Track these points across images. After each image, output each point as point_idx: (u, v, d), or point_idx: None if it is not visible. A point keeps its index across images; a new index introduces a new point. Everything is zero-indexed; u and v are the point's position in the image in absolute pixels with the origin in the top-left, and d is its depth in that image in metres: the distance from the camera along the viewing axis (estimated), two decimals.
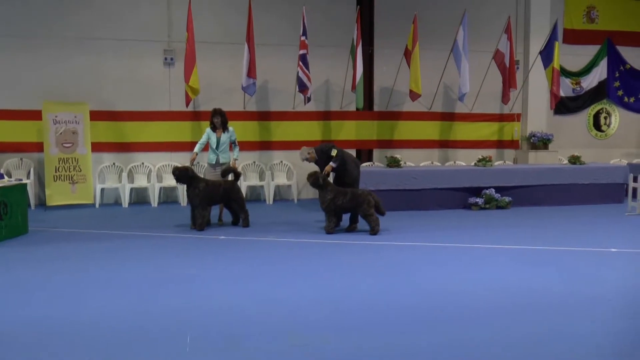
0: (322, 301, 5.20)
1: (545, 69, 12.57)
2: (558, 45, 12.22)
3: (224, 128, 9.25)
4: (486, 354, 4.01)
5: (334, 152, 8.71)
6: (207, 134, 9.27)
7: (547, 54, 12.46)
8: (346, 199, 8.33)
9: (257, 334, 4.35)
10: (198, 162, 10.56)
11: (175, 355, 3.97)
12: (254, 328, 4.48)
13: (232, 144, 9.34)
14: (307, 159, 9.01)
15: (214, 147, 9.17)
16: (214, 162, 9.20)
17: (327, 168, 8.69)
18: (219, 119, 9.18)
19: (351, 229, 8.73)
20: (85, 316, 4.78)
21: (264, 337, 4.30)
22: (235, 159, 9.38)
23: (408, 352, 4.03)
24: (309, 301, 5.20)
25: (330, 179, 8.88)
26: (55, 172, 10.82)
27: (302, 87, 11.47)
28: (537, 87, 13.45)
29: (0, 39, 11.05)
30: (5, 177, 9.45)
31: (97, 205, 11.24)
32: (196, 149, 9.28)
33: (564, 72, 13.80)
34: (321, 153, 8.89)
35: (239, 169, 10.20)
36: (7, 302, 5.20)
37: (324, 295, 5.41)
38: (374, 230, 8.32)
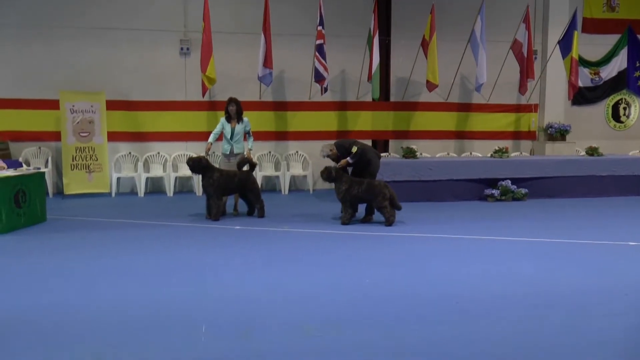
0: (336, 291, 5.21)
1: (563, 58, 12.40)
2: (577, 35, 12.05)
3: (239, 118, 9.23)
4: (500, 347, 3.99)
5: (354, 149, 8.66)
6: (222, 123, 9.23)
7: (565, 44, 12.28)
8: (361, 189, 8.31)
9: (271, 324, 4.36)
10: (213, 152, 10.56)
11: (190, 343, 4.00)
12: (267, 318, 4.50)
13: (246, 134, 9.32)
14: (328, 156, 8.92)
15: (229, 137, 9.16)
16: (228, 153, 9.20)
17: (343, 162, 8.65)
18: (234, 107, 9.13)
19: (367, 220, 8.72)
20: (100, 303, 4.83)
21: (278, 327, 4.31)
22: (250, 149, 9.37)
23: (421, 343, 4.03)
24: (323, 291, 5.21)
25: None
26: (73, 161, 10.92)
27: (319, 78, 11.44)
28: (555, 77, 13.29)
29: (18, 29, 11.15)
30: (24, 165, 9.56)
31: (113, 194, 11.33)
32: (210, 139, 9.23)
33: (583, 62, 13.61)
34: (342, 149, 8.83)
35: (254, 159, 10.18)
36: (24, 288, 5.27)
37: (338, 285, 5.41)
38: (389, 222, 8.30)
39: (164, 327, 4.32)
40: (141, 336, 4.15)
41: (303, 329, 4.28)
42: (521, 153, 13.32)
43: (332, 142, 9.07)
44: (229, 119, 9.20)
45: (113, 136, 11.41)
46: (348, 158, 8.65)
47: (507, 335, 4.22)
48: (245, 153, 9.28)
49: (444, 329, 4.31)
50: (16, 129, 11.18)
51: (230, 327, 4.32)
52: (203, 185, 8.86)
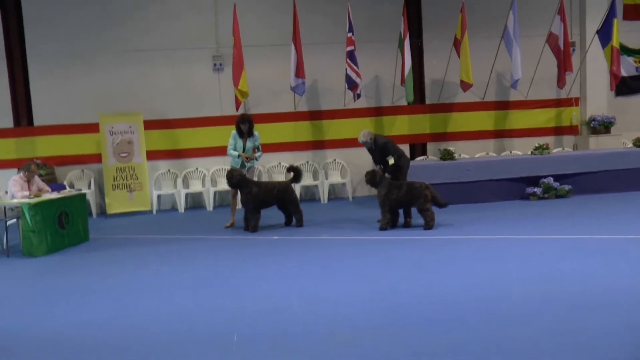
0: (372, 299, 5.11)
1: (603, 48, 12.00)
2: (617, 23, 11.66)
3: (250, 134, 9.21)
4: (544, 348, 3.84)
5: (391, 161, 8.82)
6: (234, 138, 9.15)
7: (605, 33, 11.89)
8: (401, 193, 8.21)
9: (304, 333, 4.32)
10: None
11: (223, 355, 3.99)
12: (301, 327, 4.45)
13: (255, 149, 9.26)
14: (365, 142, 9.09)
15: (240, 152, 9.16)
16: (238, 167, 9.16)
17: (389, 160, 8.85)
18: (247, 126, 9.10)
19: (406, 224, 8.60)
20: (137, 318, 4.88)
21: (312, 336, 4.26)
22: (257, 160, 9.32)
23: (457, 349, 3.91)
24: (357, 299, 5.12)
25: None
26: (114, 181, 11.16)
27: (351, 84, 11.41)
28: (595, 68, 12.89)
29: (58, 59, 11.63)
30: (67, 187, 9.82)
31: (154, 212, 11.53)
32: (236, 152, 9.12)
33: (625, 50, 13.15)
34: (379, 146, 8.99)
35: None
36: (64, 305, 5.38)
37: (373, 292, 5.31)
38: (428, 225, 8.16)
39: (198, 340, 4.32)
40: (177, 350, 4.16)
41: (336, 337, 4.22)
42: (564, 149, 12.96)
43: (373, 134, 9.21)
44: (241, 134, 9.16)
45: (152, 155, 11.63)
46: (386, 174, 8.73)
47: (549, 334, 4.06)
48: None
49: (481, 332, 4.18)
50: (60, 154, 11.57)
51: (264, 337, 4.29)
52: (242, 200, 8.92)
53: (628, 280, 5.28)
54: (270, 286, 5.69)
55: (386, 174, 8.73)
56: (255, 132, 9.30)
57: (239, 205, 9.96)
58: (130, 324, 4.74)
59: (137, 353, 4.12)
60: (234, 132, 9.20)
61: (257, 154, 9.28)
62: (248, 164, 9.21)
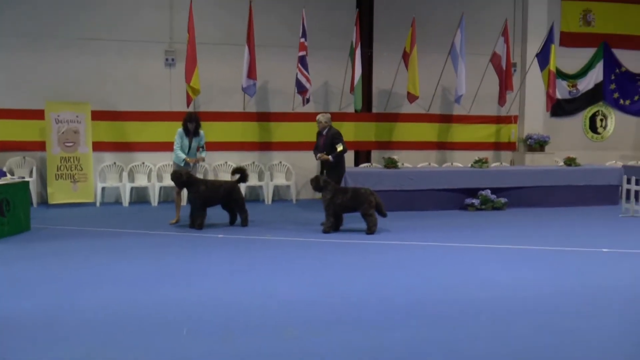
0: (316, 297, 5.34)
1: (541, 71, 12.72)
2: (554, 48, 12.37)
3: (196, 133, 9.26)
4: (472, 349, 4.14)
5: (339, 147, 9.21)
6: (180, 136, 9.17)
7: (543, 57, 12.59)
8: (346, 198, 8.45)
9: (252, 328, 4.48)
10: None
11: (171, 346, 4.11)
12: (249, 322, 4.62)
13: (200, 148, 9.33)
14: (324, 122, 9.49)
15: (185, 150, 9.20)
16: (182, 165, 9.16)
17: (323, 157, 9.21)
18: (194, 125, 9.14)
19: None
20: (84, 308, 4.92)
21: (259, 330, 4.43)
22: (203, 158, 9.46)
23: (395, 348, 4.17)
24: (303, 297, 5.34)
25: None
26: (57, 170, 10.98)
27: (301, 89, 11.62)
28: (533, 89, 13.61)
29: (4, 39, 11.23)
30: (8, 175, 9.61)
31: (97, 204, 11.38)
32: (183, 155, 9.12)
33: (561, 75, 13.95)
34: (332, 133, 9.41)
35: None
36: (9, 293, 5.36)
37: (317, 291, 5.54)
38: (370, 230, 8.42)
39: (145, 330, 4.42)
40: (123, 338, 4.25)
41: (284, 331, 4.41)
42: (501, 163, 13.58)
43: (330, 122, 9.64)
44: (187, 132, 9.19)
45: (98, 146, 11.49)
46: (330, 156, 9.14)
47: (480, 338, 4.37)
48: (197, 157, 9.35)
49: (420, 333, 4.45)
50: (0, 139, 11.22)
51: (212, 330, 4.43)
52: (189, 198, 8.99)
53: (550, 287, 5.71)
54: (218, 281, 5.83)
55: (330, 157, 9.16)
56: (201, 132, 9.34)
57: (184, 202, 10.02)
58: (76, 313, 4.79)
59: (82, 341, 4.19)
60: (180, 130, 9.20)
61: (203, 154, 9.36)
62: (193, 165, 9.29)
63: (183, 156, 9.11)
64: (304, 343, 4.20)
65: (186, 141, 9.19)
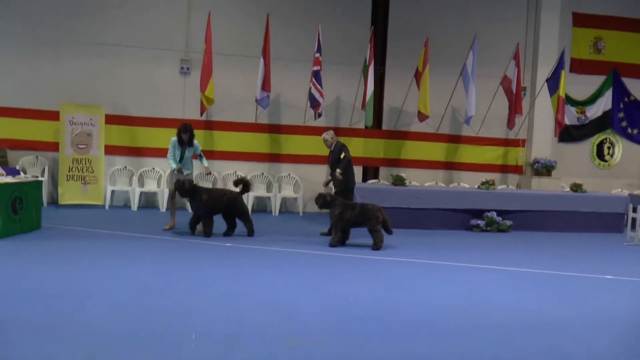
0: (321, 308, 5.41)
1: (551, 96, 12.84)
2: (564, 74, 12.49)
3: (190, 143, 9.33)
4: None
5: (342, 155, 9.34)
6: (173, 146, 9.25)
7: (553, 82, 12.72)
8: (354, 213, 8.52)
9: (257, 335, 4.54)
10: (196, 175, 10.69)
11: (178, 351, 4.17)
12: (253, 329, 4.68)
13: (198, 157, 9.45)
14: (326, 141, 9.72)
15: (178, 160, 9.30)
16: (176, 173, 9.27)
17: (338, 176, 9.34)
18: (188, 135, 9.21)
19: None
20: (89, 310, 4.97)
21: (263, 338, 4.49)
22: (207, 167, 9.58)
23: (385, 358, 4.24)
24: (307, 307, 5.40)
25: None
26: (69, 171, 11.11)
27: (314, 103, 11.74)
28: (542, 114, 13.71)
29: (23, 41, 11.44)
30: (22, 173, 9.73)
31: (106, 207, 11.50)
32: (175, 164, 9.22)
33: (570, 101, 14.07)
34: (338, 146, 9.64)
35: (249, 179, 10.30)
36: (17, 290, 5.45)
37: (322, 302, 5.61)
38: (376, 246, 8.48)
39: (152, 335, 4.47)
40: (128, 343, 4.29)
41: (286, 340, 4.48)
42: (508, 186, 13.65)
43: (336, 138, 9.89)
44: (181, 143, 9.26)
45: (110, 150, 11.64)
46: (338, 170, 9.32)
47: (482, 357, 4.44)
48: (204, 171, 9.55)
49: (421, 347, 4.52)
50: (15, 138, 11.40)
51: (218, 336, 4.49)
52: (192, 208, 9.08)
53: (554, 311, 5.75)
54: (224, 289, 5.90)
55: (338, 172, 9.32)
56: (195, 142, 9.43)
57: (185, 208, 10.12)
58: (81, 314, 4.86)
59: (93, 342, 4.26)
60: (173, 139, 9.25)
61: (205, 163, 9.48)
62: (186, 171, 9.32)
63: (174, 165, 9.20)
64: (307, 352, 4.27)
65: (179, 151, 9.27)
